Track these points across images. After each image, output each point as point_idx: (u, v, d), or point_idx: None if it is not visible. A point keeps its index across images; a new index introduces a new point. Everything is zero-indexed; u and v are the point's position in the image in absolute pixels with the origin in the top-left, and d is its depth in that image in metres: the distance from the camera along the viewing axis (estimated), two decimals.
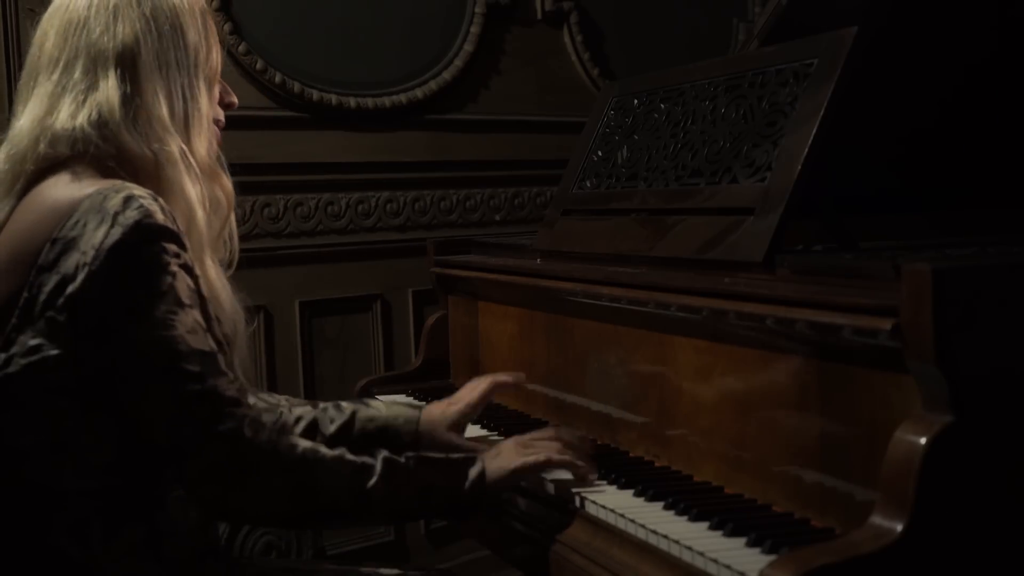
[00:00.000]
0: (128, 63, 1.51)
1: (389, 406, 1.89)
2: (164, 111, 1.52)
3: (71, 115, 1.49)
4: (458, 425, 1.88)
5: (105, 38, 1.51)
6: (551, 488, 1.63)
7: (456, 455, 1.60)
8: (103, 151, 1.48)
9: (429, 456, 1.56)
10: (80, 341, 1.40)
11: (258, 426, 1.43)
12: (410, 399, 2.29)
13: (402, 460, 1.51)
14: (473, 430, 1.98)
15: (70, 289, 1.39)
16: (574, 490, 1.58)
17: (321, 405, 1.88)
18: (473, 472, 1.54)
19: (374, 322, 3.20)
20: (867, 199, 1.85)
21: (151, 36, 1.52)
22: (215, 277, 1.57)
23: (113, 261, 1.39)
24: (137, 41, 1.52)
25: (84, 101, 1.49)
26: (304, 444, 1.46)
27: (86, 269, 1.39)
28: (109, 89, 1.49)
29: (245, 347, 1.63)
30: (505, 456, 1.59)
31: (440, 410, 1.87)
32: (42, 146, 1.49)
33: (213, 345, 1.45)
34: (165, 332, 1.39)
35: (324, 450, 1.47)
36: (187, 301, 1.42)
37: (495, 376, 1.95)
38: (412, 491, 1.50)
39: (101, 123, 1.48)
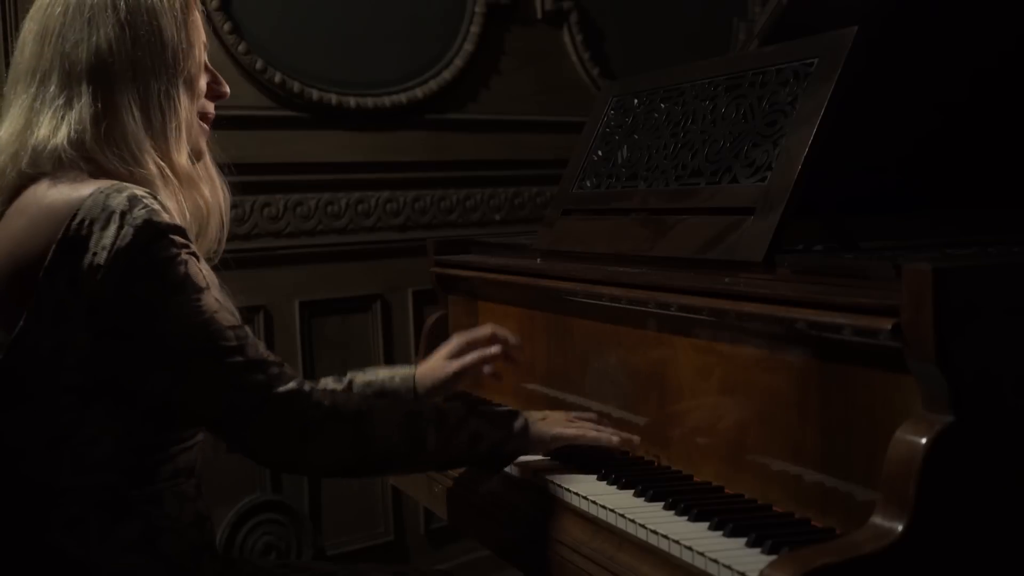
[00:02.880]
0: (101, 78, 1.48)
1: (384, 368, 1.95)
2: (139, 125, 1.50)
3: (51, 132, 1.47)
4: (454, 377, 1.93)
5: (79, 49, 1.48)
6: (553, 489, 1.63)
7: (502, 408, 1.66)
8: (84, 167, 1.47)
9: (479, 408, 1.63)
10: (100, 340, 1.41)
11: (311, 384, 1.49)
12: None
13: (450, 408, 1.58)
14: None
15: (85, 291, 1.39)
16: (574, 490, 1.58)
17: (321, 380, 1.93)
18: (518, 425, 1.63)
19: (374, 322, 3.21)
20: (867, 199, 1.85)
21: (126, 45, 1.49)
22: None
23: (128, 262, 1.39)
24: (111, 51, 1.48)
25: (63, 118, 1.48)
26: (357, 395, 1.54)
27: (101, 271, 1.39)
28: (82, 107, 1.48)
29: None
30: (550, 421, 1.67)
31: (433, 363, 1.94)
32: (24, 163, 1.48)
33: (239, 318, 1.48)
34: (194, 319, 1.42)
35: (375, 401, 1.55)
36: (203, 284, 1.45)
37: (494, 326, 1.97)
38: (463, 438, 1.57)
39: (79, 142, 1.47)
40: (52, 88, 1.49)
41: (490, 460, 1.64)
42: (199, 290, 1.43)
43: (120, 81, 1.49)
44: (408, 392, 1.90)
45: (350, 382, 1.90)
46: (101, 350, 1.41)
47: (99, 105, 1.48)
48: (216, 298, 1.46)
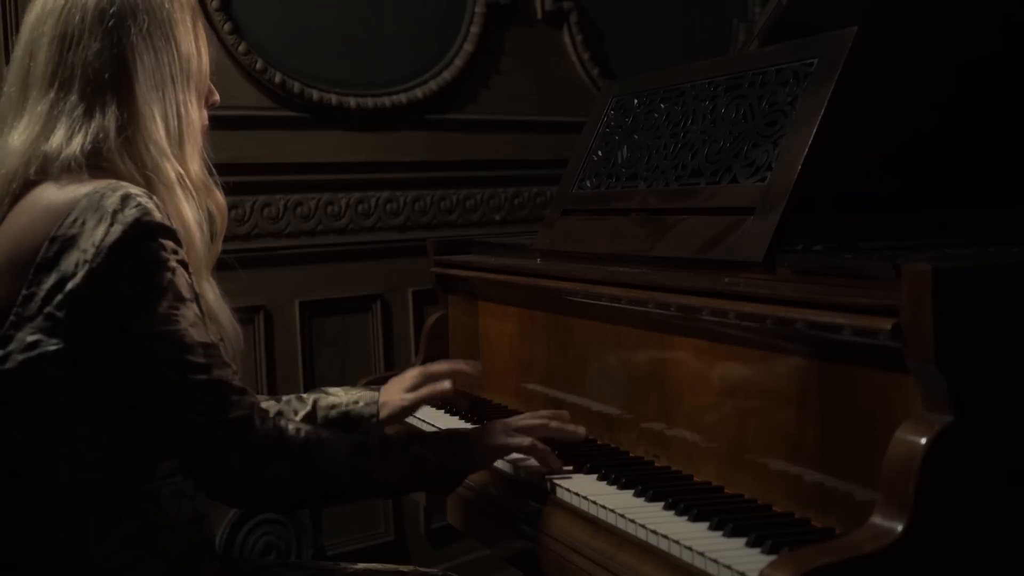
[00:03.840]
0: (125, 86, 1.50)
1: (347, 391, 1.95)
2: (160, 132, 1.51)
3: (66, 140, 1.48)
4: (409, 408, 1.94)
5: (102, 59, 1.49)
6: (550, 487, 1.63)
7: (445, 431, 1.69)
8: (89, 174, 1.47)
9: (421, 432, 1.64)
10: (80, 337, 1.41)
11: (264, 414, 1.47)
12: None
13: (394, 437, 1.59)
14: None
15: (70, 286, 1.40)
16: (575, 490, 1.58)
17: (284, 398, 1.92)
18: (460, 446, 1.63)
19: (374, 322, 3.20)
20: (867, 199, 1.85)
21: (148, 54, 1.51)
22: (213, 299, 1.58)
23: (114, 259, 1.39)
24: (134, 60, 1.50)
25: (80, 127, 1.48)
26: (306, 428, 1.51)
27: (87, 267, 1.39)
28: (106, 117, 1.48)
29: (241, 366, 1.65)
30: (492, 436, 1.66)
31: (392, 393, 1.93)
32: (33, 170, 1.48)
33: (214, 337, 1.47)
34: (169, 327, 1.41)
35: (324, 433, 1.52)
36: (187, 295, 1.44)
37: (454, 363, 2.04)
38: (406, 467, 1.57)
39: (95, 151, 1.48)
40: (73, 96, 1.49)
41: (437, 484, 1.64)
42: (181, 299, 1.42)
43: (142, 89, 1.51)
44: (372, 416, 1.90)
45: (314, 403, 1.89)
46: (79, 347, 1.41)
47: (124, 115, 1.49)
48: (196, 313, 1.45)
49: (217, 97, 1.68)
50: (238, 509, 2.81)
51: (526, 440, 1.66)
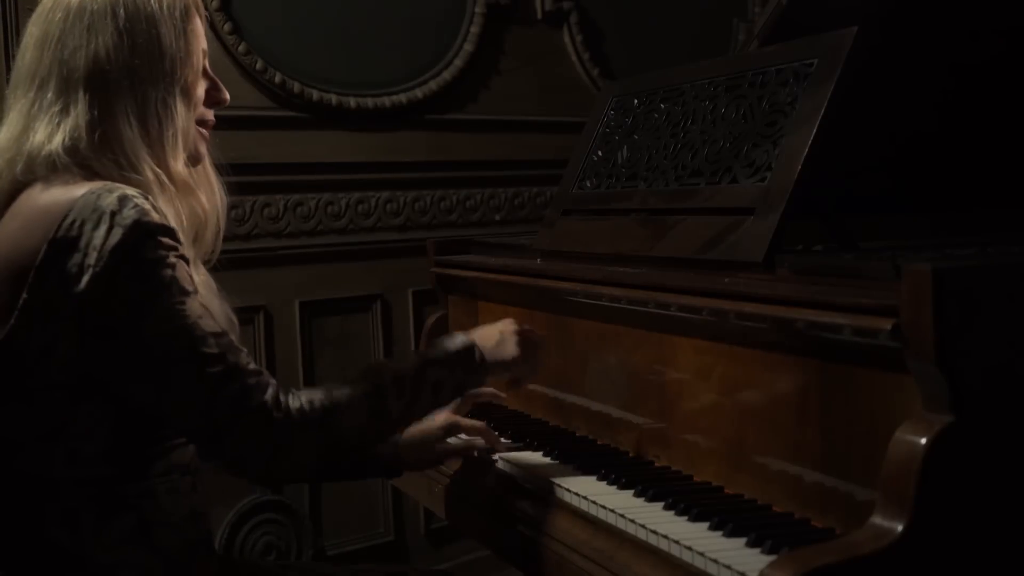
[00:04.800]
0: (98, 85, 1.49)
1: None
2: (136, 133, 1.50)
3: (46, 138, 1.48)
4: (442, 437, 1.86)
5: (78, 56, 1.49)
6: (552, 489, 1.63)
7: (454, 346, 1.68)
8: (78, 172, 1.48)
9: (431, 357, 1.65)
10: (86, 339, 1.41)
11: (278, 393, 1.47)
12: None
13: (406, 368, 1.61)
14: None
15: (74, 289, 1.40)
16: (574, 490, 1.58)
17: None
18: (475, 360, 1.68)
19: (374, 322, 3.20)
20: (867, 199, 1.85)
21: (123, 52, 1.50)
22: (203, 291, 1.57)
23: (116, 261, 1.39)
24: (109, 59, 1.49)
25: (58, 124, 1.48)
26: (319, 396, 1.50)
27: (90, 271, 1.39)
28: (79, 114, 1.48)
29: None
30: (501, 345, 1.73)
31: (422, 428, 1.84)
32: (19, 168, 1.49)
33: (221, 325, 1.47)
34: (178, 323, 1.41)
35: (336, 392, 1.52)
36: (190, 288, 1.45)
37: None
38: (426, 393, 1.61)
39: (73, 149, 1.48)
40: (50, 94, 1.50)
41: (453, 399, 1.73)
42: (185, 293, 1.43)
43: (117, 89, 1.50)
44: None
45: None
46: (87, 350, 1.41)
47: (95, 112, 1.49)
48: (201, 304, 1.45)
49: (226, 96, 1.66)
50: (272, 486, 2.91)
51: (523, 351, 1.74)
